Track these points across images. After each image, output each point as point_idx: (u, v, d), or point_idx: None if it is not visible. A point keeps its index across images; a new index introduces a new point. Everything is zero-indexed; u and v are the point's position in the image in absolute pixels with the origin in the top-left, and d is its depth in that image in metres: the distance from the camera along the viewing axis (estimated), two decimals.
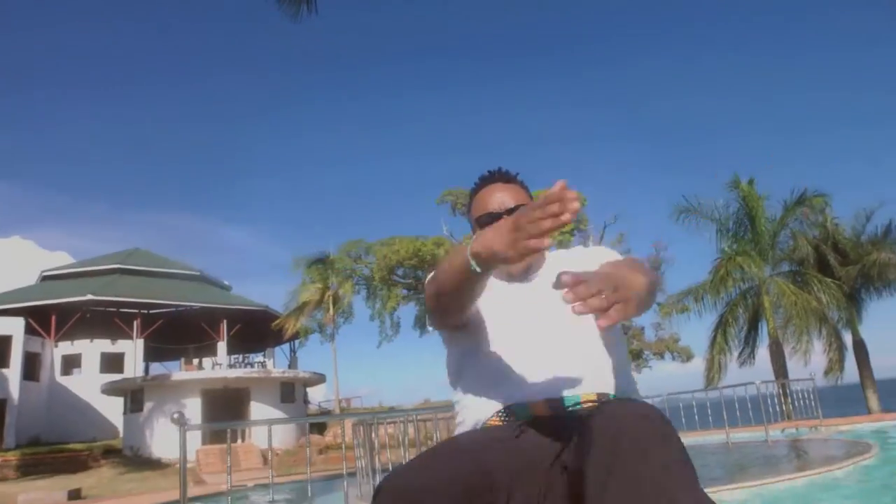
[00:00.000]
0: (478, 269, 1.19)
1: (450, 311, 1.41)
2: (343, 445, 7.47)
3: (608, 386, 1.40)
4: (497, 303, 1.50)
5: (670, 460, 0.99)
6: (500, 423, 1.36)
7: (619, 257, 1.55)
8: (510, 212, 1.50)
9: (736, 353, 20.83)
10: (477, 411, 1.42)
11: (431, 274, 1.47)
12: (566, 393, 1.35)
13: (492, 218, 1.54)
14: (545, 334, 1.44)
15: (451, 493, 1.06)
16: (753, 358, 20.65)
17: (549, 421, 1.30)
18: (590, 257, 1.55)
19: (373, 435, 7.08)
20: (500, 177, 1.65)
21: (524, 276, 1.57)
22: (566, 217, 1.01)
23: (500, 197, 1.60)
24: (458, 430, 1.50)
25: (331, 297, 28.02)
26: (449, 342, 1.60)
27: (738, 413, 10.84)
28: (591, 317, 1.03)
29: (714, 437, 10.40)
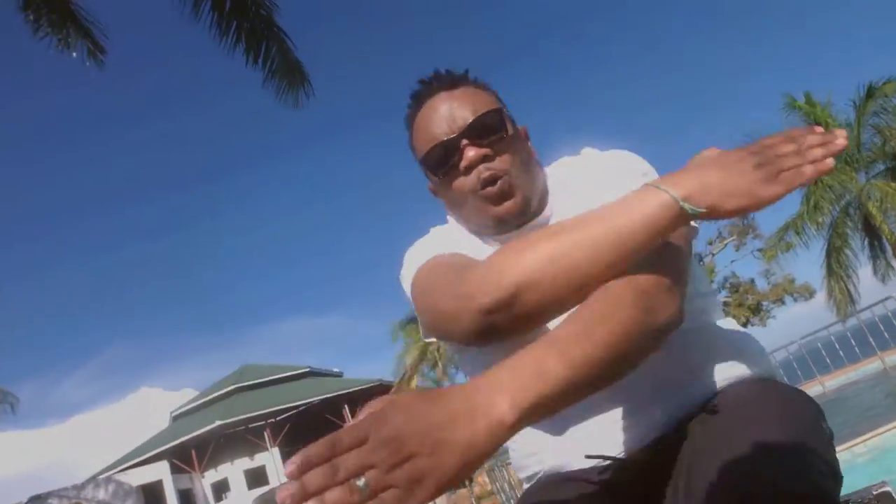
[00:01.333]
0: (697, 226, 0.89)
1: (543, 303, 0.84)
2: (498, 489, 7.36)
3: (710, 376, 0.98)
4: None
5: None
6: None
7: (639, 165, 1.09)
8: (472, 130, 1.04)
9: (868, 271, 19.39)
10: (545, 455, 1.04)
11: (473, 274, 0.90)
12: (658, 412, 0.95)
13: (445, 148, 1.04)
14: None
15: None
16: (893, 268, 19.05)
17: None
18: (611, 174, 1.05)
19: (506, 474, 6.93)
20: (443, 80, 1.11)
21: (521, 217, 1.07)
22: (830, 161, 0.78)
23: (445, 112, 1.05)
24: (527, 486, 1.13)
25: (437, 349, 28.03)
26: (471, 362, 1.13)
27: (886, 335, 9.87)
28: None
29: (869, 366, 9.43)
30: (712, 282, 29.88)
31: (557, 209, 1.09)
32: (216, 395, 37.09)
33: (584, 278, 0.78)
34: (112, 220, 77.40)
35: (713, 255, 30.69)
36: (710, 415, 0.85)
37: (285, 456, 33.92)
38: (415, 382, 28.37)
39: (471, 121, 1.03)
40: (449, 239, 1.15)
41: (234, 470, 33.08)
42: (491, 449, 0.61)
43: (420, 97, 1.11)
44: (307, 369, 38.86)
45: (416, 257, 1.11)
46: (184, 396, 61.25)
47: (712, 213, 0.75)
